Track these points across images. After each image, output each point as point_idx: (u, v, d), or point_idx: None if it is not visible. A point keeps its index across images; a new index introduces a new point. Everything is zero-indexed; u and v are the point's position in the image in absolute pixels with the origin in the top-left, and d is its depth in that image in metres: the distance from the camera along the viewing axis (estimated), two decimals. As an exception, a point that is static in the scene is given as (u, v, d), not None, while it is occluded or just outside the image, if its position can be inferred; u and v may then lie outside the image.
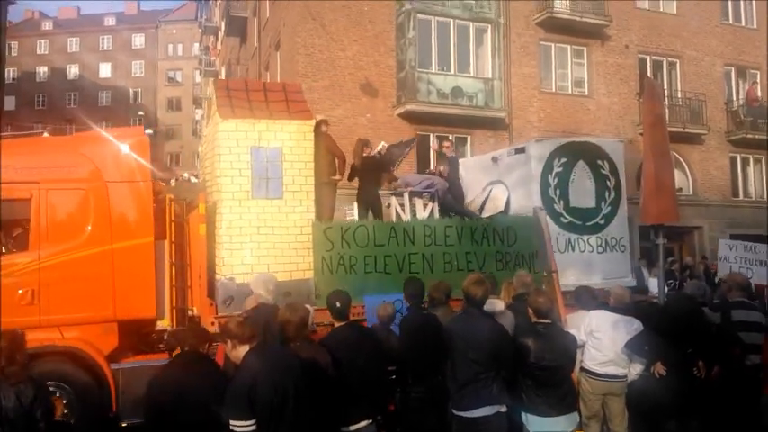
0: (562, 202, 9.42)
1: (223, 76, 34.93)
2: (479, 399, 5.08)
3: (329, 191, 9.26)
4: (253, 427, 3.97)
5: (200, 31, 50.83)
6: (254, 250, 7.68)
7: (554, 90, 22.45)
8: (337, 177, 9.50)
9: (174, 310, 7.40)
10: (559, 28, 21.88)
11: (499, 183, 10.24)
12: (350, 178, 10.48)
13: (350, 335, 5.28)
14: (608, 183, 9.81)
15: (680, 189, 20.11)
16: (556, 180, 9.40)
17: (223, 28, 35.08)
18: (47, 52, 70.01)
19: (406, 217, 9.67)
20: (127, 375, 7.03)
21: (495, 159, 10.59)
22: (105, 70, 69.69)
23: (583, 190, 9.62)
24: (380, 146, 10.71)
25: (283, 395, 4.05)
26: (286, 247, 7.83)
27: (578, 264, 9.06)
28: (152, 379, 4.67)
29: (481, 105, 20.26)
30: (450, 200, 10.19)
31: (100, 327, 7.10)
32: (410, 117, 19.50)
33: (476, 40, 20.67)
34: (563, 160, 9.49)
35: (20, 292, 6.70)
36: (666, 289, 10.17)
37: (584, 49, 22.81)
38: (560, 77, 22.70)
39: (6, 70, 55.74)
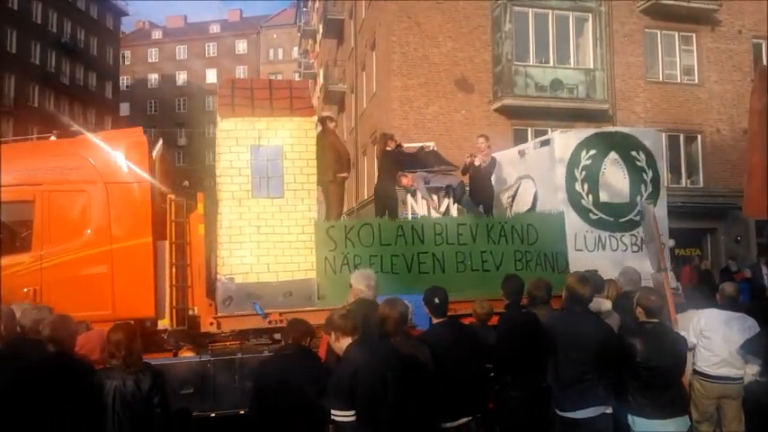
0: (590, 197, 8.78)
1: (321, 78, 35.64)
2: (584, 400, 4.93)
3: (336, 188, 9.11)
4: (353, 418, 4.05)
5: (299, 34, 52.17)
6: (254, 250, 7.55)
7: (661, 79, 21.56)
8: (344, 175, 9.29)
9: (175, 310, 7.32)
10: (665, 14, 20.98)
11: (527, 177, 9.76)
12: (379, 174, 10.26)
13: (448, 331, 5.25)
14: (644, 176, 9.08)
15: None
16: (583, 174, 8.77)
17: (321, 31, 35.85)
18: (157, 60, 73.96)
19: (423, 214, 9.42)
20: None
21: (521, 153, 10.08)
22: (211, 76, 72.80)
23: (615, 184, 8.93)
24: (428, 145, 10.70)
25: (383, 388, 4.09)
26: (287, 247, 7.65)
27: (609, 263, 8.11)
28: (256, 371, 4.81)
29: (582, 97, 19.72)
30: (467, 200, 9.88)
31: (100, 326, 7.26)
32: (507, 111, 19.22)
33: (576, 31, 20.15)
34: (591, 152, 8.84)
35: (25, 290, 6.87)
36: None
37: (693, 35, 21.75)
38: (668, 65, 21.74)
39: (121, 78, 59.64)
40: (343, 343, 4.35)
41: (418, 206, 9.83)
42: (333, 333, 4.43)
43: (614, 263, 8.08)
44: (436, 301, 5.37)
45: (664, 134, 9.84)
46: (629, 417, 5.10)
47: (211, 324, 7.24)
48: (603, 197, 8.81)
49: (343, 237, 7.76)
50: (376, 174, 10.30)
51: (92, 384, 4.12)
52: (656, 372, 4.98)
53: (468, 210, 9.74)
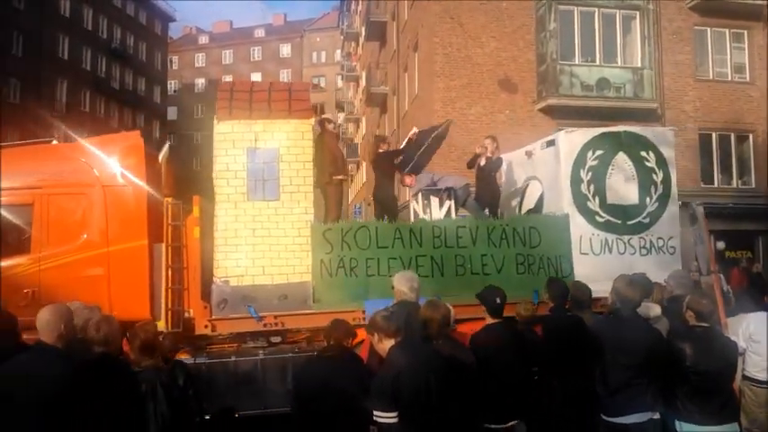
0: (597, 198, 8.50)
1: (363, 80, 35.84)
2: (632, 405, 4.87)
3: (334, 191, 9.04)
4: (396, 420, 4.04)
5: (341, 37, 52.57)
6: (249, 253, 7.53)
7: (711, 77, 21.05)
8: (341, 177, 9.23)
9: (170, 312, 7.27)
10: (716, 11, 20.48)
11: (535, 179, 9.53)
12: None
13: (503, 333, 5.24)
14: (654, 177, 8.72)
15: None
16: (589, 175, 8.50)
17: (363, 33, 36.04)
18: (204, 65, 75.34)
19: (424, 216, 9.30)
20: None
21: (528, 153, 9.78)
22: (256, 79, 73.69)
23: (623, 185, 8.63)
24: (412, 132, 10.38)
25: (427, 390, 4.09)
26: (283, 250, 7.60)
27: (617, 267, 7.63)
28: (298, 371, 4.84)
29: (630, 96, 19.39)
30: (472, 203, 9.69)
31: None
32: (552, 111, 19.00)
33: (623, 29, 19.84)
34: (598, 153, 8.57)
35: (25, 291, 6.99)
36: None
37: (745, 32, 21.21)
38: (718, 63, 21.22)
39: (168, 83, 60.94)
40: (386, 344, 4.35)
41: (420, 209, 9.72)
42: (376, 334, 4.43)
43: (622, 267, 7.73)
44: (497, 301, 5.34)
45: (673, 132, 9.40)
46: (677, 423, 5.01)
47: (206, 327, 7.23)
48: (611, 199, 8.54)
49: (340, 239, 7.68)
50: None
51: (136, 384, 4.20)
52: (705, 377, 4.88)
53: (472, 213, 9.57)
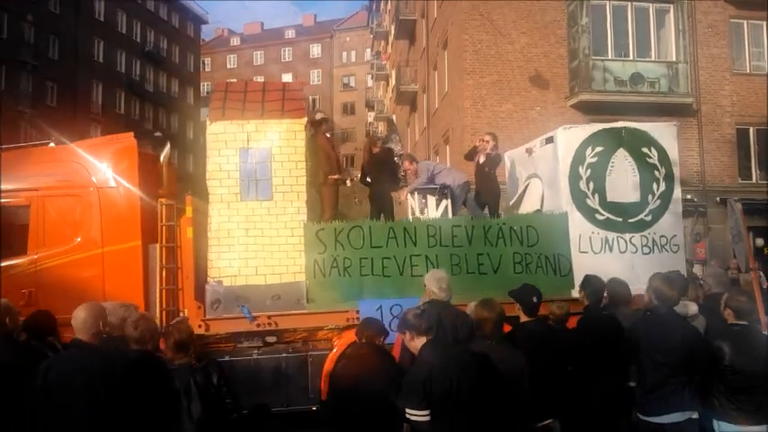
0: (597, 196, 8.28)
1: (393, 79, 35.82)
2: (669, 404, 4.79)
3: (329, 191, 9.00)
4: (427, 418, 4.05)
5: (371, 36, 52.64)
6: (242, 253, 7.53)
7: (748, 71, 20.65)
8: (335, 177, 9.18)
9: (164, 312, 7.30)
10: (752, 3, 20.08)
11: (535, 177, 9.32)
12: (362, 179, 10.11)
13: (539, 331, 5.21)
14: (656, 173, 8.47)
15: None
16: (588, 172, 8.28)
17: (393, 32, 36.05)
18: (235, 66, 76.07)
19: (420, 215, 9.19)
20: None
21: (529, 151, 9.52)
22: (287, 80, 74.27)
23: (624, 182, 8.38)
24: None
25: (458, 390, 4.08)
26: (276, 250, 7.58)
27: (617, 266, 7.56)
28: (332, 369, 4.86)
29: (665, 91, 19.07)
30: (472, 201, 9.58)
31: None
32: (584, 107, 18.79)
33: (657, 23, 19.51)
34: (598, 149, 8.35)
35: (22, 292, 7.10)
36: None
37: (783, 23, 20.57)
38: (755, 56, 20.77)
39: (201, 84, 61.72)
40: (418, 342, 4.35)
41: (416, 207, 9.63)
42: (407, 332, 4.43)
43: (622, 266, 7.66)
44: (534, 299, 5.32)
45: (676, 127, 9.07)
46: (715, 422, 4.93)
47: (200, 326, 7.23)
48: (611, 196, 8.33)
49: (333, 239, 7.65)
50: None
51: (172, 382, 4.26)
52: (743, 376, 4.78)
53: (471, 212, 9.46)
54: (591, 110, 18.71)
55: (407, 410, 4.11)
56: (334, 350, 7.58)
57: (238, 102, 8.01)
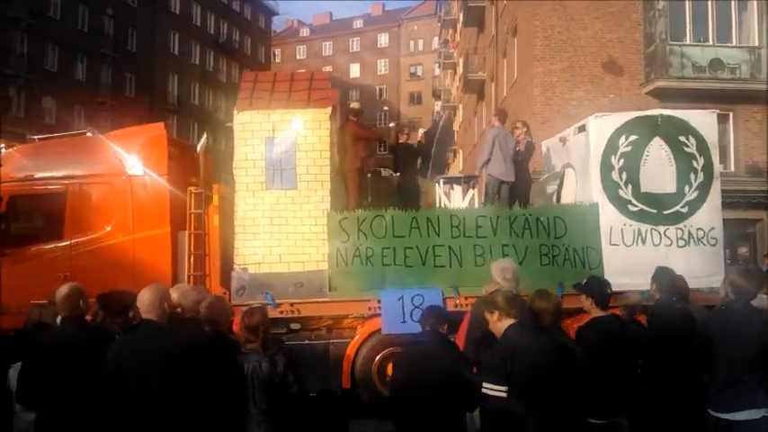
0: (630, 187, 7.96)
1: (461, 67, 35.47)
2: (743, 401, 4.59)
3: (355, 179, 8.97)
4: (504, 394, 4.07)
5: (439, 25, 52.24)
6: (267, 241, 7.66)
7: (839, 56, 19.26)
8: (360, 166, 9.13)
9: None
10: (844, -17, 18.73)
11: (569, 167, 9.00)
12: (394, 168, 10.06)
13: (612, 325, 5.08)
14: (694, 163, 8.08)
15: None
16: (621, 161, 7.97)
17: (461, 19, 35.66)
18: (305, 57, 77.07)
19: (450, 205, 9.06)
20: None
21: (563, 140, 9.25)
22: (355, 70, 74.71)
23: (659, 172, 8.03)
24: (420, 135, 10.43)
25: (539, 373, 4.10)
26: (299, 238, 7.68)
27: (650, 260, 7.10)
28: (396, 358, 4.87)
29: (746, 77, 18.23)
30: (505, 191, 9.31)
31: None
32: (660, 94, 18.12)
33: (738, 6, 18.69)
34: (632, 138, 8.01)
35: (59, 275, 7.20)
36: None
37: None
38: None
39: (272, 75, 62.83)
40: (504, 323, 4.36)
41: (443, 196, 9.56)
42: (496, 312, 4.41)
43: (656, 259, 7.21)
44: (608, 291, 5.21)
45: (715, 114, 8.64)
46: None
47: None
48: (645, 187, 8.01)
49: (356, 228, 7.67)
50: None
51: (241, 365, 4.34)
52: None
53: (502, 204, 9.25)
54: (668, 97, 18.02)
55: (485, 384, 4.15)
56: (356, 337, 7.77)
57: (266, 92, 8.20)
